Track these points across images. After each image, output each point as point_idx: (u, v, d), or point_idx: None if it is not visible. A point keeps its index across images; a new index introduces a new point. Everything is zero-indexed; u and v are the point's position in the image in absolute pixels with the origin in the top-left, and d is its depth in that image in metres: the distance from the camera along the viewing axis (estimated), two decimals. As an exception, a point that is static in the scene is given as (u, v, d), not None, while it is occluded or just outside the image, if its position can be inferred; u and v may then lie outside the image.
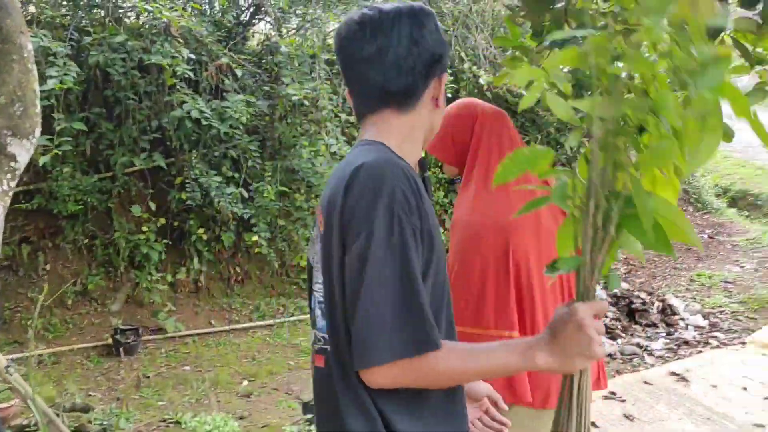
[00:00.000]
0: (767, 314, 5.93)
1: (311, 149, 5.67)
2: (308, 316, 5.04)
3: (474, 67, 5.97)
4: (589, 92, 1.51)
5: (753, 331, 5.53)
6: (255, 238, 5.55)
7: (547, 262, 1.75)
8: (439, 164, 6.04)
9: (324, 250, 1.19)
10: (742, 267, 7.50)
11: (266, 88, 5.47)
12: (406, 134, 1.29)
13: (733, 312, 6.07)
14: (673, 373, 4.61)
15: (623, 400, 4.19)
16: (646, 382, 4.48)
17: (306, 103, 5.57)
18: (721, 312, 6.09)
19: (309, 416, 3.41)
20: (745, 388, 4.31)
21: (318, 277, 1.23)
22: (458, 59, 6.09)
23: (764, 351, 5.06)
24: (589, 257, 1.20)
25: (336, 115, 5.45)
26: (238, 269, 6.00)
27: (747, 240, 8.29)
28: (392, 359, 1.08)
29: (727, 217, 9.18)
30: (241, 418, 4.03)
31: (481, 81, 5.87)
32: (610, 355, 5.14)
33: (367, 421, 1.15)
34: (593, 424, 3.85)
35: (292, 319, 5.75)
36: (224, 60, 4.99)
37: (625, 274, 7.42)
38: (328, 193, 1.21)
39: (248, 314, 5.79)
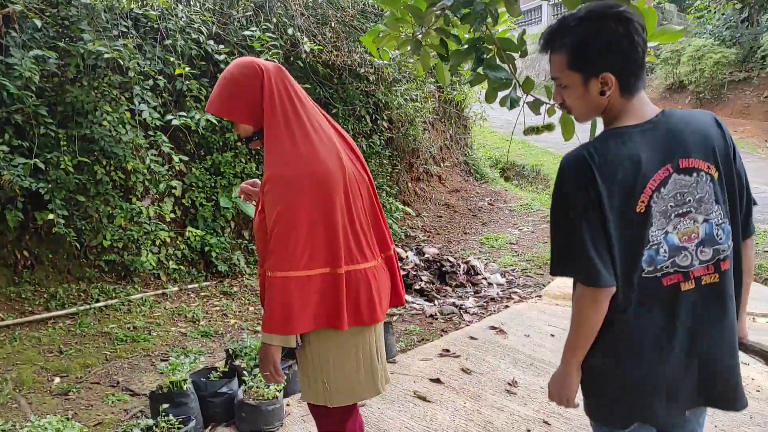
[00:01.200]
0: (551, 270, 6.71)
1: (115, 116, 5.09)
2: (115, 301, 4.56)
3: (298, 34, 5.79)
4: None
5: (543, 285, 6.23)
6: (50, 216, 4.86)
7: (355, 199, 2.20)
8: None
9: (720, 182, 1.72)
10: (520, 230, 8.39)
11: (61, 44, 4.75)
12: None
13: (523, 269, 6.78)
14: (492, 327, 5.02)
15: (457, 356, 4.46)
16: (471, 338, 4.82)
17: (102, 64, 4.98)
18: (513, 270, 6.76)
19: (165, 406, 3.09)
20: (552, 335, 4.85)
21: (712, 209, 1.71)
22: (275, 27, 5.86)
23: (557, 302, 5.73)
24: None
25: (147, 78, 4.95)
26: (26, 253, 5.18)
27: (521, 206, 9.28)
28: None
29: (502, 186, 10.17)
30: (67, 419, 3.53)
31: (306, 48, 5.72)
32: (431, 315, 5.43)
33: None
34: (437, 380, 4.05)
35: (98, 305, 5.15)
36: (17, 7, 4.22)
37: (423, 240, 7.86)
38: (699, 143, 1.70)
39: (43, 303, 5.06)
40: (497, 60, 2.40)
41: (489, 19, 2.35)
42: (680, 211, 1.68)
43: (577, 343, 1.74)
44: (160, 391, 3.32)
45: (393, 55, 3.00)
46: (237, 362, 3.69)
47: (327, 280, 2.13)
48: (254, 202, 2.49)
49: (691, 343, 1.71)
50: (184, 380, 3.32)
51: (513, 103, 2.35)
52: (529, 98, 2.50)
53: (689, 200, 1.68)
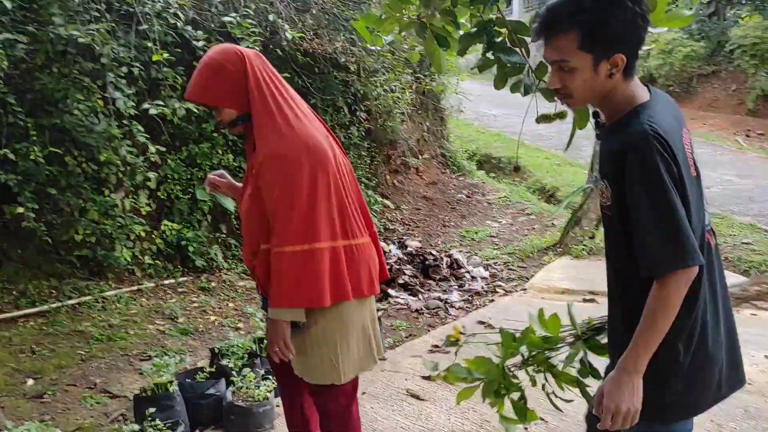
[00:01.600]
0: (534, 262, 6.66)
1: (87, 104, 4.85)
2: (89, 298, 4.40)
3: (279, 20, 5.61)
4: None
5: (527, 278, 6.17)
6: (20, 209, 4.62)
7: (344, 178, 2.24)
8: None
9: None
10: (499, 222, 8.33)
11: (30, 28, 4.50)
12: None
13: (506, 262, 6.71)
14: (480, 322, 4.94)
15: (447, 352, 4.37)
16: (461, 333, 4.72)
17: (73, 50, 4.74)
18: (495, 263, 6.69)
19: (151, 410, 2.93)
20: (541, 329, 4.78)
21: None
22: (255, 13, 5.66)
23: (543, 295, 5.67)
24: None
25: (121, 65, 4.73)
26: (-7, 248, 4.95)
27: (499, 198, 9.22)
28: None
29: (479, 178, 10.09)
30: (45, 425, 3.33)
31: (287, 36, 5.54)
32: (417, 310, 5.33)
33: None
34: (429, 378, 3.95)
35: (70, 303, 4.93)
36: (-18, -12, 3.97)
37: (403, 233, 7.75)
38: (679, 111, 1.75)
39: (13, 301, 4.82)
40: (508, 44, 2.29)
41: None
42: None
43: (657, 338, 1.52)
44: (144, 394, 3.15)
45: (385, 41, 2.88)
46: (224, 362, 3.52)
47: (332, 252, 2.16)
48: (228, 196, 2.53)
49: (722, 302, 1.71)
50: (170, 382, 3.15)
51: (526, 89, 2.24)
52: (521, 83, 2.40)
53: (695, 161, 1.70)
